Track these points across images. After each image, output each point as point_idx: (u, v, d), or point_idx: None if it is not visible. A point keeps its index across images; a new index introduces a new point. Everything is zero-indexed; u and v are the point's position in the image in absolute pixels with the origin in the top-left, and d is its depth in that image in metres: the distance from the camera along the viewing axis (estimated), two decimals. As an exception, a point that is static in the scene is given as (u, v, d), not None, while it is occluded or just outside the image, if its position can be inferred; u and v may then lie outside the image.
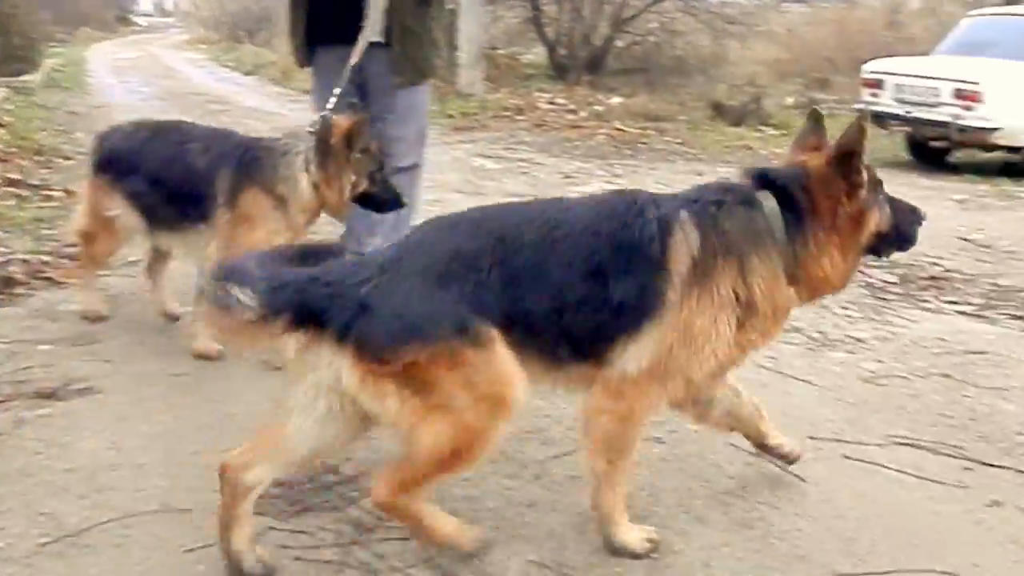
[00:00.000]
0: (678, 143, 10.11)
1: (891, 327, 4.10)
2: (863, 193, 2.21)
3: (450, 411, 1.94)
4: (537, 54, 16.45)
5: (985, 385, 3.43)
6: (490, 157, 8.25)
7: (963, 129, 8.62)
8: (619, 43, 14.29)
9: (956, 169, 9.37)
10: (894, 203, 2.35)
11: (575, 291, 2.05)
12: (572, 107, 11.71)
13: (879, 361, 3.64)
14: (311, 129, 3.25)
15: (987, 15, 10.17)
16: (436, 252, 2.04)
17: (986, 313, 4.47)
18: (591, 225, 2.11)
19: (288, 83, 14.35)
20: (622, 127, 10.66)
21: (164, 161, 3.37)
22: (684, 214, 2.13)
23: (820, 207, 2.20)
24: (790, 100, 13.09)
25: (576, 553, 2.25)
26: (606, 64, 13.93)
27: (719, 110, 11.63)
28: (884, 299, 4.60)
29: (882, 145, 10.53)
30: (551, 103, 11.89)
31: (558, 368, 2.15)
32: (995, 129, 8.49)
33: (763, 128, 11.21)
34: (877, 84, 9.58)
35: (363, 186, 3.26)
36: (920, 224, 2.42)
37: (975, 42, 9.55)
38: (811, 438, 2.90)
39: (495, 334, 1.98)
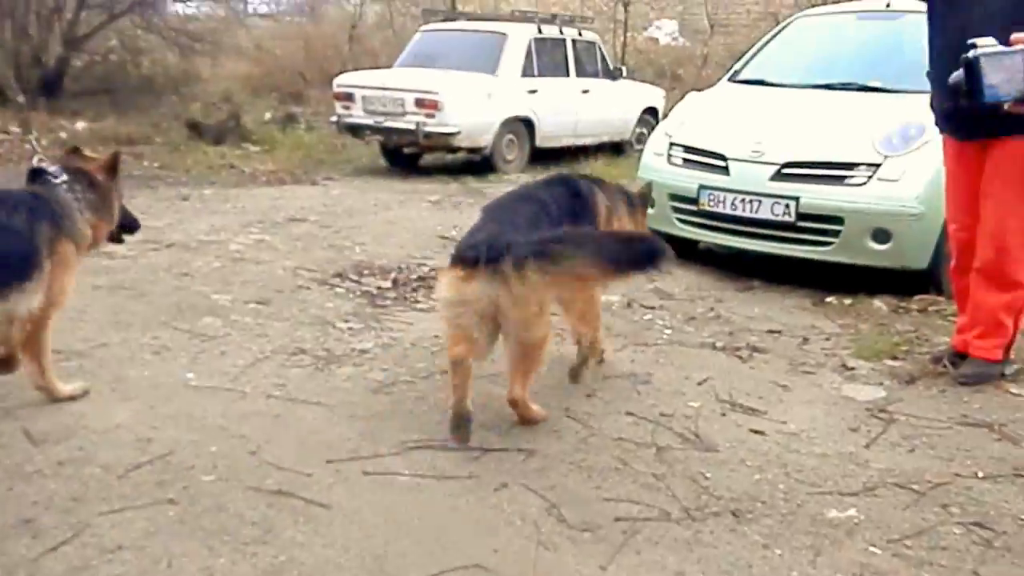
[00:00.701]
0: (158, 167, 9.55)
1: (391, 333, 4.25)
2: None
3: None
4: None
5: (477, 374, 3.66)
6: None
7: (428, 135, 9.34)
8: (77, 63, 13.10)
9: (428, 172, 10.14)
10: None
11: None
12: (30, 136, 10.45)
13: (384, 369, 3.74)
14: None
15: (434, 30, 11.10)
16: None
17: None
18: None
19: None
20: (92, 154, 9.74)
21: None
22: None
23: None
24: (268, 115, 13.10)
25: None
26: (64, 86, 12.68)
27: (197, 129, 11.22)
28: (383, 306, 4.76)
29: (360, 154, 11.06)
30: (3, 132, 10.51)
31: None
32: (455, 133, 9.34)
33: (245, 145, 11.06)
34: (348, 97, 9.98)
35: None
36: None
37: (429, 54, 10.41)
38: (329, 461, 2.87)
39: None
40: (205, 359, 3.78)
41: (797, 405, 3.58)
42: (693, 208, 5.47)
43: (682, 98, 6.58)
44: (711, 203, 5.37)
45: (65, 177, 3.20)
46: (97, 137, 10.64)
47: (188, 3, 14.04)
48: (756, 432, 3.28)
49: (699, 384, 3.76)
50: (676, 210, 5.60)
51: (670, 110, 10.17)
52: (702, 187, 5.41)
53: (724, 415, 3.44)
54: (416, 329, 4.33)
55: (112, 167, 3.38)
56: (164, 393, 3.39)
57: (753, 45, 6.97)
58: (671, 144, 5.75)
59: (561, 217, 3.34)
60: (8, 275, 2.92)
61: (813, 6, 16.72)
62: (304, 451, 2.95)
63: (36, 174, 3.21)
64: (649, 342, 4.32)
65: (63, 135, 10.55)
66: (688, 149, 5.63)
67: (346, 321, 4.41)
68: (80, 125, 11.14)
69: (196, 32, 13.85)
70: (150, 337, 4.00)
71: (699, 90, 6.88)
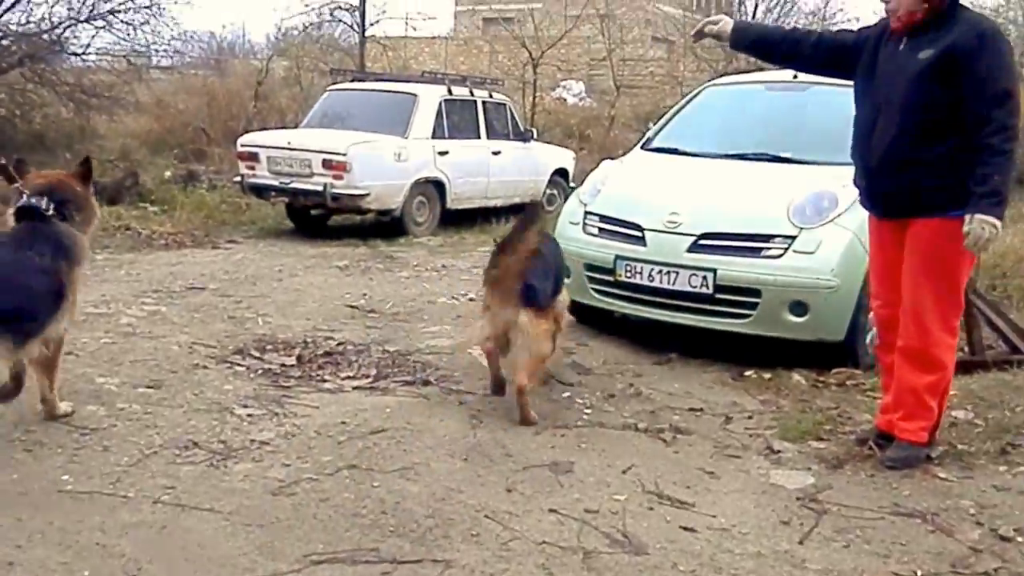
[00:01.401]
0: (46, 229, 9.01)
1: (295, 420, 3.94)
2: None
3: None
4: None
5: (389, 469, 3.43)
6: None
7: (336, 197, 9.08)
8: (-39, 117, 12.45)
9: (336, 234, 9.85)
10: None
11: None
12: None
13: (286, 464, 3.44)
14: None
15: (343, 90, 10.91)
16: None
17: (380, 384, 4.59)
18: None
19: None
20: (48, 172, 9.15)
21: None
22: None
23: None
24: (168, 173, 12.62)
25: None
26: (-54, 142, 11.99)
27: (92, 188, 10.69)
28: (286, 386, 4.45)
29: (265, 215, 10.70)
30: None
31: None
32: (364, 195, 9.10)
33: (143, 205, 10.58)
34: (253, 157, 9.66)
35: None
36: None
37: (337, 114, 10.20)
38: (218, 584, 2.57)
39: None
40: (84, 457, 3.41)
41: (726, 495, 3.42)
42: (610, 279, 5.35)
43: (597, 165, 6.50)
44: (628, 274, 5.25)
45: (53, 207, 3.53)
46: (-19, 197, 10.05)
47: (84, 57, 13.48)
48: (686, 529, 3.10)
49: (624, 472, 3.57)
50: (592, 280, 5.46)
51: (580, 172, 10.17)
52: (618, 257, 5.29)
53: (652, 509, 3.26)
54: (322, 414, 4.04)
55: (86, 175, 3.77)
56: (34, 501, 3.02)
57: (661, 110, 7.00)
58: (587, 213, 5.64)
59: None
60: (48, 311, 3.43)
61: (716, 71, 17.30)
62: (192, 570, 2.63)
63: (26, 212, 3.52)
64: (569, 424, 4.12)
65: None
66: (604, 219, 5.52)
67: (245, 406, 4.09)
68: (-37, 183, 10.50)
69: (92, 86, 13.30)
70: (23, 431, 3.61)
71: (612, 157, 6.82)
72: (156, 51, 14.43)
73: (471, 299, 6.70)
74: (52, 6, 12.86)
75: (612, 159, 6.56)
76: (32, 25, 12.56)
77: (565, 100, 22.25)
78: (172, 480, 3.25)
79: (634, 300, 5.31)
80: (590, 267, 5.46)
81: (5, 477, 3.19)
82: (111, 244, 8.53)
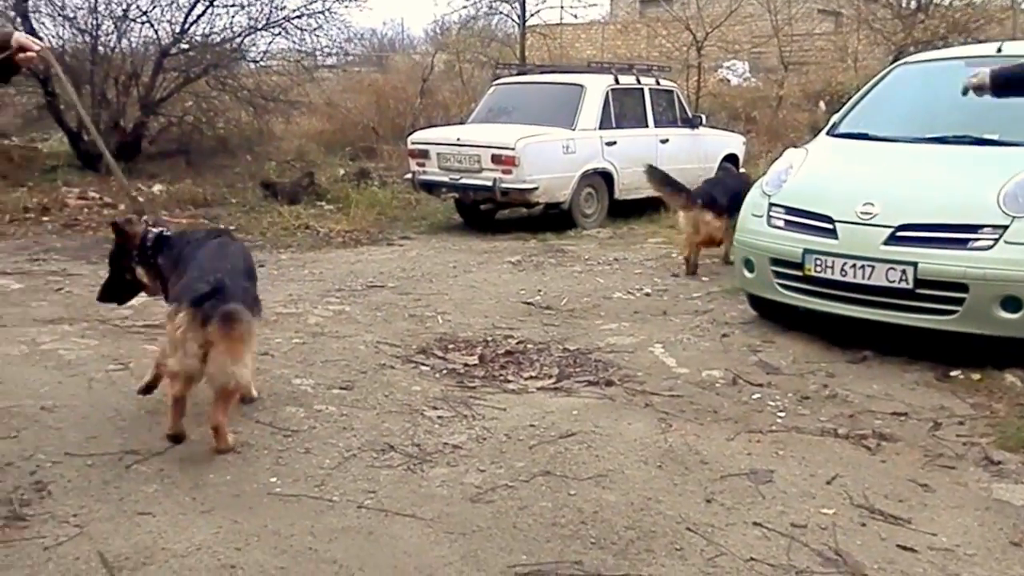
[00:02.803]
0: (233, 230, 9.50)
1: (484, 422, 3.96)
2: None
3: None
4: (60, 140, 14.79)
5: (584, 476, 3.39)
6: (12, 274, 6.99)
7: (505, 191, 9.12)
8: (154, 126, 13.29)
9: (505, 228, 9.91)
10: None
11: None
12: (108, 200, 10.54)
13: (481, 470, 3.45)
14: None
15: (508, 84, 10.94)
16: None
17: (564, 384, 4.56)
18: None
19: None
20: (170, 218, 9.80)
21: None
22: None
23: None
24: (341, 172, 13.07)
25: None
26: (141, 149, 12.85)
27: (271, 189, 11.20)
28: (471, 387, 4.49)
29: (434, 210, 10.90)
30: (82, 198, 10.59)
31: None
32: (533, 189, 9.10)
33: (320, 204, 10.99)
34: (423, 154, 9.84)
35: None
36: None
37: (503, 108, 10.25)
38: (431, 594, 2.59)
39: None
40: (289, 459, 3.54)
41: (944, 511, 3.18)
42: (798, 274, 5.10)
43: (765, 148, 6.24)
44: (818, 268, 5.00)
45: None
46: (174, 199, 10.72)
47: (260, 61, 14.12)
48: (905, 549, 2.89)
49: (828, 483, 3.39)
50: (779, 275, 5.23)
51: (748, 157, 9.82)
52: (807, 251, 5.04)
53: (864, 525, 3.07)
54: (510, 416, 4.04)
55: None
56: (247, 503, 3.14)
57: (832, 87, 6.63)
58: (771, 205, 5.40)
59: None
60: None
61: (894, 46, 16.33)
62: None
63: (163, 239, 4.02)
64: (763, 428, 3.95)
65: (140, 199, 10.61)
66: (790, 210, 5.27)
67: (435, 408, 4.14)
68: (157, 188, 11.23)
69: (269, 90, 13.93)
70: (230, 432, 3.78)
71: (795, 145, 6.52)
72: (327, 53, 14.85)
73: (647, 294, 6.58)
74: (233, 17, 13.54)
75: (795, 147, 6.26)
76: (215, 35, 13.26)
77: (728, 81, 21.59)
78: (373, 484, 3.31)
79: (825, 296, 5.05)
80: (776, 261, 5.24)
81: (219, 478, 3.35)
82: (292, 243, 8.90)
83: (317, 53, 14.88)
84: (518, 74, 11.64)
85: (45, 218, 9.71)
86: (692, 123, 10.98)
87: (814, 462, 3.58)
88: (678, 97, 11.03)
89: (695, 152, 10.85)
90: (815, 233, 5.07)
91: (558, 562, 2.75)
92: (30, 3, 12.11)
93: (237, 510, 3.09)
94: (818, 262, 5.00)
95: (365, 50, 26.90)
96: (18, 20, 12.04)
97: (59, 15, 12.48)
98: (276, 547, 2.83)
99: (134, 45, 12.92)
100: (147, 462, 3.42)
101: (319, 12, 13.61)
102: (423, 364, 4.86)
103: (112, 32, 12.49)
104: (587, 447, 3.67)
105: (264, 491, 3.25)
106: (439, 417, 4.03)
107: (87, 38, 12.46)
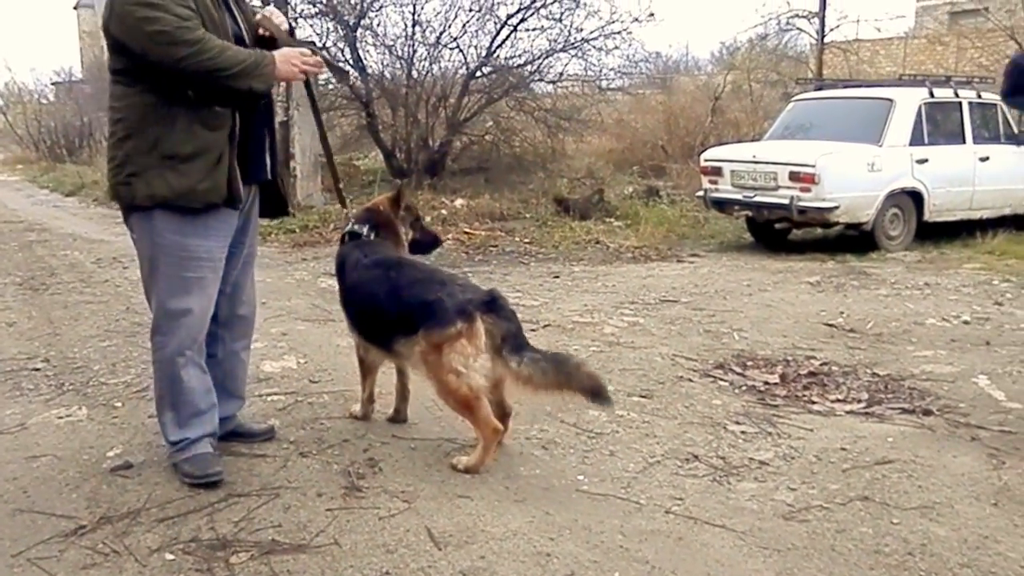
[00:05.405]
0: (527, 243, 9.90)
1: (790, 440, 3.81)
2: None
3: None
4: (374, 158, 16.16)
5: (907, 505, 3.16)
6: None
7: (803, 210, 8.77)
8: (457, 144, 14.17)
9: (800, 248, 9.53)
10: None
11: None
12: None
13: (791, 488, 3.31)
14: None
15: (809, 99, 10.55)
16: None
17: (875, 410, 4.28)
18: None
19: (114, 203, 13.33)
20: (470, 230, 10.38)
21: None
22: None
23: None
24: (630, 189, 13.21)
25: None
26: (445, 166, 13.74)
27: (563, 205, 11.55)
28: (773, 404, 4.33)
29: (723, 228, 10.71)
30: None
31: None
32: (833, 208, 8.68)
33: (609, 220, 11.17)
34: (716, 171, 9.70)
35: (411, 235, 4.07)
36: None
37: (802, 125, 9.88)
38: (747, 607, 2.51)
39: None
40: (594, 459, 3.60)
41: None
42: None
43: None
44: None
45: (366, 229, 3.93)
46: (473, 213, 11.32)
47: (555, 83, 14.62)
48: None
49: None
50: None
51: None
52: None
53: None
54: (818, 438, 3.85)
55: (397, 200, 4.03)
56: (557, 497, 3.23)
57: None
58: None
59: None
60: None
61: None
62: (715, 589, 2.61)
63: (353, 235, 3.98)
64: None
65: (444, 212, 11.34)
66: None
67: (737, 423, 4.04)
68: (459, 202, 11.92)
69: (562, 110, 14.39)
70: (537, 429, 3.92)
71: None
72: (621, 73, 15.08)
73: (965, 322, 6.06)
74: (533, 40, 14.14)
75: None
76: (516, 58, 13.92)
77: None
78: (678, 491, 3.28)
79: None
80: None
81: (529, 472, 3.47)
82: (584, 257, 9.11)
83: (611, 73, 15.16)
84: (817, 89, 11.18)
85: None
86: (1019, 140, 9.99)
87: None
88: (1002, 111, 10.09)
89: (1020, 172, 9.86)
90: None
91: (883, 592, 2.58)
92: (358, 34, 13.35)
93: (548, 503, 3.17)
94: None
95: (651, 72, 27.07)
96: (346, 50, 13.33)
97: (381, 44, 13.66)
98: (588, 541, 2.88)
99: (444, 69, 13.87)
100: (463, 451, 3.61)
101: (616, 33, 13.87)
102: (721, 379, 4.77)
103: (425, 58, 13.49)
104: (907, 476, 3.42)
105: (572, 487, 3.32)
106: (742, 432, 3.92)
107: (403, 64, 13.54)
